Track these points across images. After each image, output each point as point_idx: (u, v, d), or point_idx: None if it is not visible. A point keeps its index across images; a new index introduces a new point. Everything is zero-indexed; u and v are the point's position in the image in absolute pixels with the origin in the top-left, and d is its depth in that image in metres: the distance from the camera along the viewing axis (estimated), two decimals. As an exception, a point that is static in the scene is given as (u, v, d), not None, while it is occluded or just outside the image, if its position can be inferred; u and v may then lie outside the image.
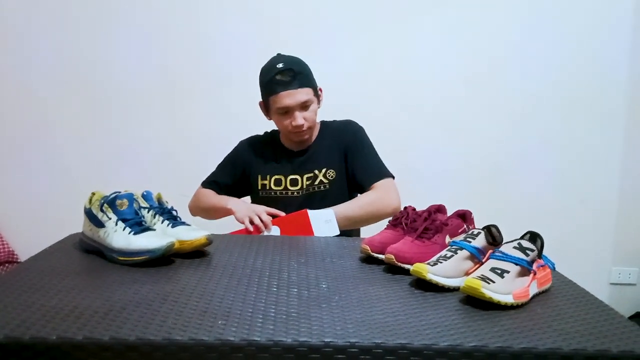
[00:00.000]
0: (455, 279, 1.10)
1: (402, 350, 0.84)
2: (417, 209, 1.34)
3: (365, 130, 1.89)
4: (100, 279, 1.12)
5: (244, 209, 1.71)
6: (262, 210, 1.69)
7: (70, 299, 1.00)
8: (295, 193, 1.82)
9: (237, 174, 1.92)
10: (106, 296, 1.02)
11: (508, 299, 1.00)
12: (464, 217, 1.31)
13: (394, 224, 1.34)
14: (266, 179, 1.84)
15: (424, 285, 1.11)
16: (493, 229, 1.19)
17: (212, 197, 1.88)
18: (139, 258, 1.20)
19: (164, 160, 2.68)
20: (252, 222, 1.65)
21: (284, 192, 1.82)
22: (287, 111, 1.74)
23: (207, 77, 2.64)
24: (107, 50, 2.60)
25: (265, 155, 1.89)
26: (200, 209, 1.91)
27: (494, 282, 1.01)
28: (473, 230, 1.21)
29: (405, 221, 1.31)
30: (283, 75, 1.71)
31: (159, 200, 1.41)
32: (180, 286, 1.09)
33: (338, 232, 1.63)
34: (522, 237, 1.15)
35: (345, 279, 1.16)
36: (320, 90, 1.85)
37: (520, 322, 0.95)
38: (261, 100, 1.83)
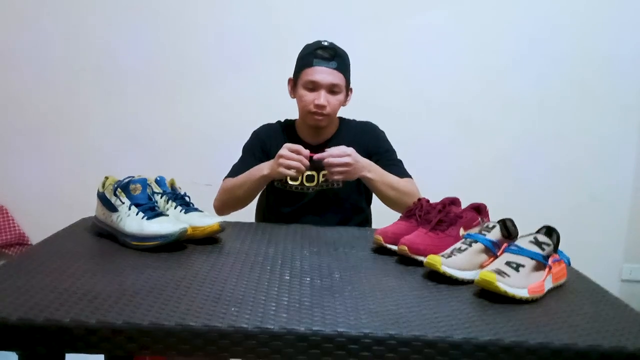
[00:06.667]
0: (470, 272, 1.09)
1: (415, 342, 0.84)
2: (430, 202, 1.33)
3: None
4: (113, 263, 1.12)
5: (272, 166, 1.60)
6: (284, 152, 1.56)
7: (83, 282, 1.00)
8: (310, 189, 1.77)
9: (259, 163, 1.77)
10: (119, 280, 1.02)
11: (523, 293, 0.99)
12: (479, 210, 1.30)
13: (408, 215, 1.33)
14: None
15: (437, 277, 1.10)
16: (508, 223, 1.18)
17: (240, 177, 1.74)
18: (152, 243, 1.20)
19: (176, 147, 2.67)
20: (289, 168, 1.55)
21: (299, 188, 1.77)
22: (314, 88, 1.69)
23: (218, 65, 2.63)
24: (120, 37, 2.60)
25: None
26: (231, 195, 1.74)
27: (509, 275, 1.00)
28: (488, 223, 1.19)
29: (419, 213, 1.30)
30: (324, 51, 1.69)
31: (172, 186, 1.41)
32: (192, 272, 1.09)
33: None
34: (538, 231, 1.14)
35: (358, 269, 1.16)
36: (351, 90, 1.79)
37: (535, 316, 0.94)
38: (291, 76, 1.78)
